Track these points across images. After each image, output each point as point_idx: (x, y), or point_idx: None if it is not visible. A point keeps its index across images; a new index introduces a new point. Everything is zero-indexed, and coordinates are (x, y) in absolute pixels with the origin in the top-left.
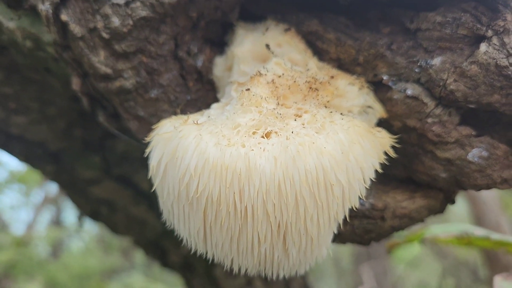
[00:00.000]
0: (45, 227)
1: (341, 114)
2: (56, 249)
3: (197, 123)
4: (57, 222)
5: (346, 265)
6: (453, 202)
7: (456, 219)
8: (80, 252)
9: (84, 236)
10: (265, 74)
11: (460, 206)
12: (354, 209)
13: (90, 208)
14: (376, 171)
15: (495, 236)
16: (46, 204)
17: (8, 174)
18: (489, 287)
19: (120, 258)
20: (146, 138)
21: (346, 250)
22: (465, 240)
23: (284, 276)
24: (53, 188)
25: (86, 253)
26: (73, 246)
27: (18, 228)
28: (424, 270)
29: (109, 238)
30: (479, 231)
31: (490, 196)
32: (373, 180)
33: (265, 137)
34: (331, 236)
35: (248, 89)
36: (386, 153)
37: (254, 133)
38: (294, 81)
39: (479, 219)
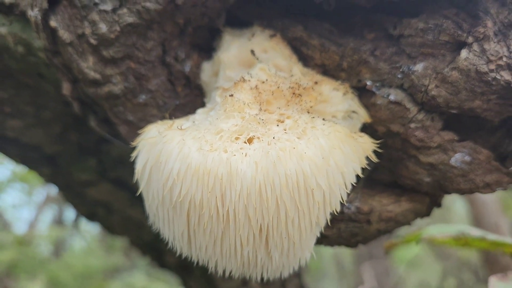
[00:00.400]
0: (47, 226)
1: (323, 119)
2: (58, 248)
3: (181, 128)
4: (59, 221)
5: (347, 265)
6: (439, 205)
7: (456, 220)
8: (82, 251)
9: (86, 235)
10: (249, 80)
11: (459, 207)
12: (336, 213)
13: (86, 210)
14: (359, 175)
15: (491, 236)
16: (48, 203)
17: (10, 173)
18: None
19: (122, 258)
20: (132, 143)
21: (347, 250)
22: (461, 240)
23: (280, 277)
24: (55, 187)
25: (88, 252)
26: (75, 245)
27: (20, 227)
28: (425, 270)
29: (111, 238)
30: (475, 232)
31: (489, 197)
32: (355, 184)
33: (247, 143)
34: (313, 240)
35: (231, 95)
36: (369, 158)
37: (236, 138)
38: (278, 87)
39: (478, 220)
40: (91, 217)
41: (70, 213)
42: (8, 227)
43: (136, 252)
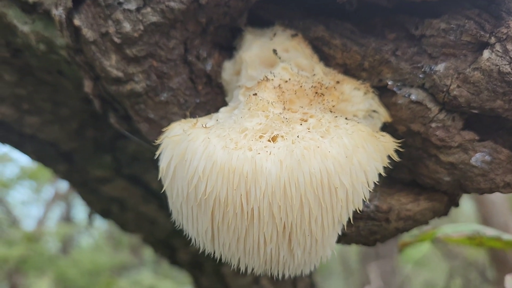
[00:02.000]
0: (55, 223)
1: (346, 118)
2: (66, 245)
3: (205, 127)
4: (67, 218)
5: (354, 265)
6: (457, 205)
7: (464, 219)
8: (90, 249)
9: (94, 232)
10: (272, 79)
11: (468, 207)
12: (358, 211)
13: (101, 206)
14: (381, 174)
15: (507, 236)
16: (56, 200)
17: (19, 170)
18: (495, 286)
19: (129, 255)
20: (156, 141)
21: (354, 249)
22: (476, 240)
23: (290, 275)
24: (63, 184)
25: (96, 249)
26: (83, 242)
27: (29, 223)
28: (432, 270)
29: (119, 235)
30: (490, 231)
31: (498, 197)
32: (377, 183)
33: (271, 141)
34: (335, 237)
35: (255, 94)
36: (390, 157)
37: (260, 137)
38: (301, 86)
39: (486, 220)
40: (105, 214)
41: (78, 210)
42: (17, 224)
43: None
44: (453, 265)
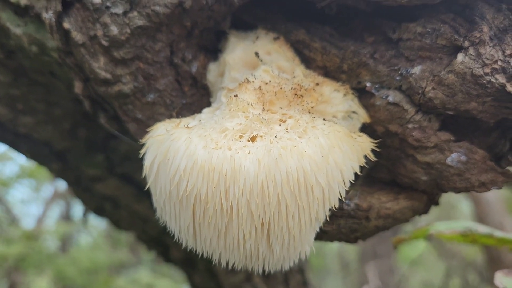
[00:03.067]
0: (54, 221)
1: (324, 119)
2: (65, 243)
3: (187, 127)
4: (66, 216)
5: (352, 264)
6: (436, 203)
7: (461, 219)
8: (88, 247)
9: (93, 231)
10: (253, 81)
11: (464, 207)
12: (335, 209)
13: (94, 204)
14: (359, 173)
15: (499, 233)
16: (55, 199)
17: (19, 169)
18: (492, 286)
19: (127, 254)
20: (141, 140)
21: (352, 249)
22: (469, 237)
23: (283, 273)
24: (62, 183)
25: (94, 247)
26: (81, 240)
27: (28, 222)
28: (430, 269)
29: (117, 234)
30: (482, 229)
31: (494, 197)
32: (353, 182)
33: (250, 141)
34: (313, 234)
35: (236, 95)
36: (368, 157)
37: (240, 137)
38: (281, 88)
39: (482, 220)
40: (99, 212)
41: (77, 209)
42: (17, 222)
43: (142, 247)
44: (450, 264)
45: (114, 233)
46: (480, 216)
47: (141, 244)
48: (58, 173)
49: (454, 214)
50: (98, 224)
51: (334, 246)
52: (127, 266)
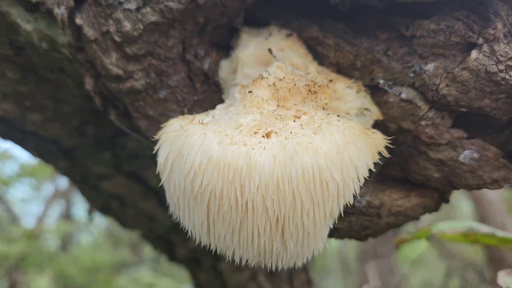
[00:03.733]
0: (55, 220)
1: (338, 116)
2: (65, 242)
3: (202, 123)
4: (67, 215)
5: (352, 264)
6: (447, 201)
7: (462, 219)
8: (89, 246)
9: (93, 230)
10: (267, 77)
11: (466, 207)
12: (349, 205)
13: (101, 203)
14: (372, 170)
15: (500, 233)
16: (56, 198)
17: (19, 168)
18: (492, 286)
19: (129, 253)
20: (154, 136)
21: (352, 248)
22: (471, 237)
23: (287, 271)
24: (63, 182)
25: (95, 247)
26: (82, 239)
27: (28, 221)
28: (430, 269)
29: (118, 233)
30: (484, 228)
31: (495, 197)
32: (368, 178)
33: (265, 137)
34: (327, 231)
35: (250, 91)
36: (381, 153)
37: (255, 132)
38: (294, 84)
39: (484, 220)
40: (105, 210)
41: (78, 208)
42: (17, 221)
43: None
44: (451, 264)
45: (116, 232)
46: (482, 216)
47: (146, 242)
48: (65, 171)
49: (455, 215)
50: (99, 223)
51: (335, 246)
52: (128, 265)
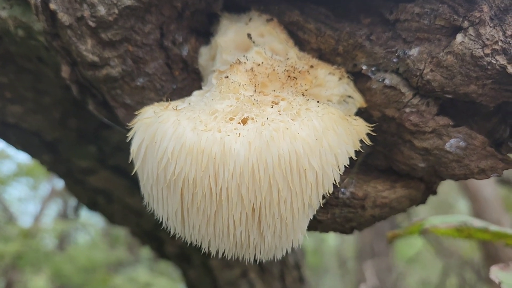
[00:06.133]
0: (51, 219)
1: (318, 102)
2: (62, 241)
3: (176, 109)
4: (63, 215)
5: (350, 262)
6: (434, 193)
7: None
8: (86, 245)
9: (90, 229)
10: (245, 62)
11: (462, 204)
12: (328, 195)
13: (87, 198)
14: (354, 157)
15: (494, 227)
16: (53, 197)
17: (16, 167)
18: (489, 284)
19: (125, 252)
20: (129, 124)
21: (350, 247)
22: (464, 231)
23: (279, 268)
24: (60, 181)
25: (92, 246)
26: (79, 239)
27: (25, 220)
28: (428, 268)
29: (115, 232)
30: (477, 223)
31: (492, 194)
32: (348, 166)
33: (241, 123)
34: (306, 222)
35: (227, 77)
36: (363, 141)
37: (231, 119)
38: (273, 70)
39: (480, 216)
40: (92, 206)
41: (74, 203)
42: (14, 220)
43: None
44: (448, 263)
45: (112, 231)
46: (478, 214)
47: (135, 239)
48: (49, 165)
49: (452, 213)
50: (96, 222)
51: (332, 244)
52: (125, 264)
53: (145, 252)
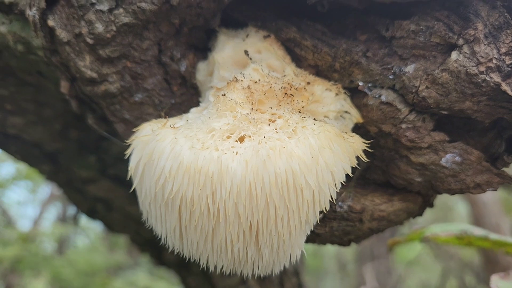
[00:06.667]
0: (51, 223)
1: (314, 119)
2: (61, 245)
3: (174, 127)
4: (63, 218)
5: (349, 265)
6: (431, 205)
7: (458, 221)
8: (85, 249)
9: (90, 233)
10: (241, 80)
11: (461, 209)
12: (325, 211)
13: (87, 207)
14: (351, 174)
15: (494, 236)
16: (52, 201)
17: (15, 170)
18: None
19: (125, 256)
20: (127, 141)
21: (350, 250)
22: (464, 240)
23: (278, 275)
24: (55, 185)
25: (91, 250)
26: (78, 242)
27: (24, 224)
28: (427, 271)
29: (115, 236)
30: (478, 231)
31: (491, 198)
32: (344, 183)
33: (238, 141)
34: (303, 237)
35: (224, 94)
36: (360, 158)
37: (228, 137)
38: (270, 87)
39: (479, 221)
40: (91, 214)
41: (74, 210)
42: (13, 224)
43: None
44: (448, 266)
45: (111, 235)
46: (477, 218)
47: (135, 246)
48: (49, 175)
49: (451, 216)
50: (95, 226)
51: (332, 247)
52: (124, 268)
53: (145, 255)
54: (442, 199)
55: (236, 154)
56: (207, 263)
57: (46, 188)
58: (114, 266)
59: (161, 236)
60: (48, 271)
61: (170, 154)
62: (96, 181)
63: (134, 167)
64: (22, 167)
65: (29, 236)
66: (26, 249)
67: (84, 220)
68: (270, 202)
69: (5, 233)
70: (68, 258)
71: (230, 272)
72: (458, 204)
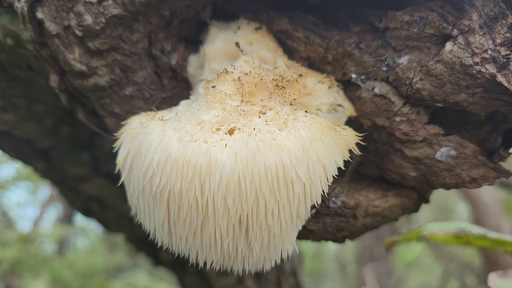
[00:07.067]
0: (51, 224)
1: (306, 111)
2: (61, 246)
3: (162, 119)
4: (63, 220)
5: (350, 266)
6: (427, 201)
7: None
8: (85, 250)
9: (89, 234)
10: (232, 72)
11: (462, 209)
12: (316, 205)
13: (81, 205)
14: (344, 168)
15: (492, 234)
16: (52, 202)
17: (15, 171)
18: None
19: (124, 257)
20: (116, 134)
21: (350, 251)
22: (463, 238)
23: (275, 275)
24: (49, 183)
25: (91, 251)
26: (78, 244)
27: (24, 225)
28: (428, 272)
29: (114, 237)
30: (476, 230)
31: (491, 199)
32: (336, 177)
33: (228, 134)
34: (295, 232)
35: (213, 86)
36: (353, 151)
37: (217, 129)
38: (261, 79)
39: (479, 221)
40: (86, 212)
41: (74, 212)
42: (13, 225)
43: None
44: (448, 267)
45: (111, 236)
46: (477, 218)
47: (130, 245)
48: (43, 173)
49: (452, 217)
50: (94, 227)
51: (332, 249)
52: (124, 269)
53: (141, 255)
54: (442, 200)
55: (226, 146)
56: (196, 259)
57: (46, 189)
58: (114, 267)
59: (149, 231)
60: (48, 272)
61: (158, 146)
62: (90, 179)
63: (122, 161)
64: (22, 168)
65: (29, 237)
66: (25, 250)
67: (84, 220)
68: (260, 196)
69: (5, 234)
70: (68, 259)
71: (225, 271)
72: (458, 205)
